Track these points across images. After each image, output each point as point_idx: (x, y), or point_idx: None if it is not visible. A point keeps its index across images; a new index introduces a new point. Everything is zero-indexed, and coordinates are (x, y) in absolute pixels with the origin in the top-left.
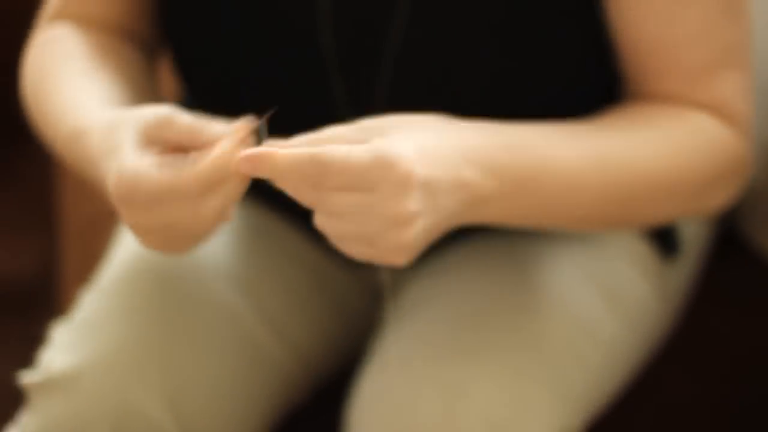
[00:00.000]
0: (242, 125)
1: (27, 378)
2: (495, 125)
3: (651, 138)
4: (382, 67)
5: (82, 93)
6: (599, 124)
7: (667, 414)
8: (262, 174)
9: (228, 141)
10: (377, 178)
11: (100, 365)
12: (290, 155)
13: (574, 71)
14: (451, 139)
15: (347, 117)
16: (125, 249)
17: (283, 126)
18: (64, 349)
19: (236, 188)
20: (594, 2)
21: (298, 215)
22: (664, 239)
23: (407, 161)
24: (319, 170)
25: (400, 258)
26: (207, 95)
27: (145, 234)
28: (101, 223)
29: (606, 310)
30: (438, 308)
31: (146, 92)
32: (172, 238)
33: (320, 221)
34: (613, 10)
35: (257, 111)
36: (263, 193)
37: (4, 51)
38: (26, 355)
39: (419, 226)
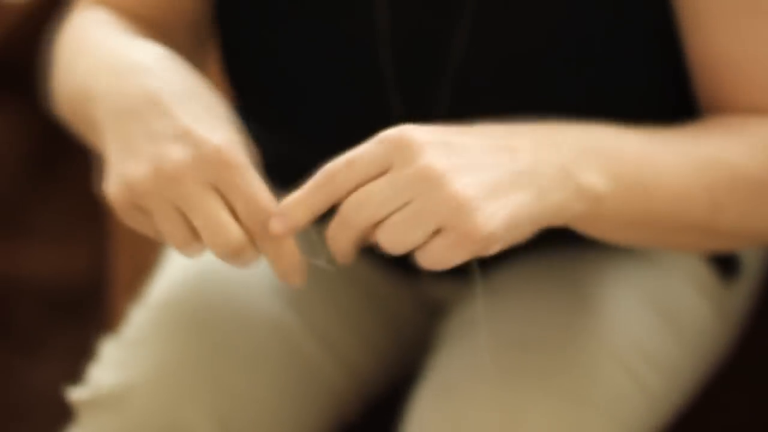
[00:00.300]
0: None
1: (75, 394)
2: (593, 126)
3: (747, 140)
4: (441, 82)
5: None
6: (692, 130)
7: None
8: (301, 222)
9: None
10: (387, 154)
11: (150, 383)
12: (302, 190)
13: (645, 87)
14: (566, 134)
15: None
16: (174, 264)
17: (338, 139)
18: (112, 366)
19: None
20: (666, 14)
21: None
22: (725, 262)
23: (413, 133)
24: (329, 185)
25: (476, 224)
26: (260, 106)
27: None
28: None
29: (666, 333)
30: (494, 329)
31: None
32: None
33: (380, 238)
34: (685, 26)
35: (311, 124)
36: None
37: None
38: (75, 363)
39: (464, 179)
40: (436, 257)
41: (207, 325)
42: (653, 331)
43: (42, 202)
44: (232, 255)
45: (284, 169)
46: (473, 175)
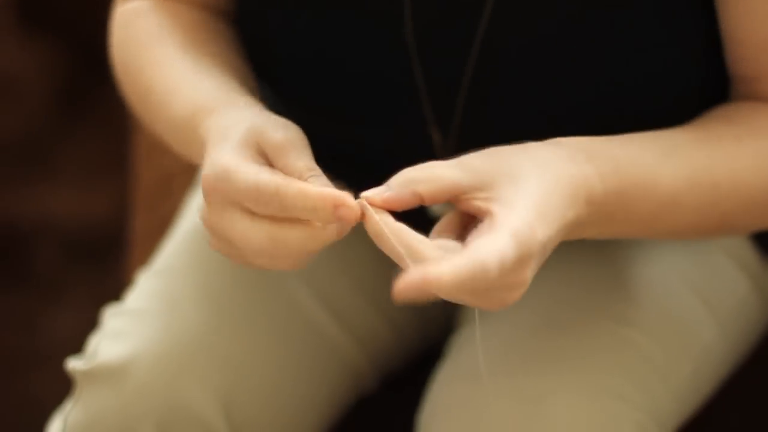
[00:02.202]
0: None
1: (74, 364)
2: (593, 146)
3: (757, 152)
4: (465, 60)
5: (187, 73)
6: (702, 136)
7: (756, 418)
8: (425, 297)
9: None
10: (519, 261)
11: (150, 357)
12: (454, 276)
13: (678, 70)
14: (559, 180)
15: (429, 107)
16: (182, 230)
17: (361, 114)
18: (113, 336)
19: (319, 239)
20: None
21: None
22: (765, 238)
23: (538, 243)
24: (479, 284)
25: (497, 309)
26: (283, 83)
27: (219, 247)
28: (173, 181)
29: (704, 314)
30: (518, 312)
31: (240, 67)
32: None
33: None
34: (721, 11)
35: (330, 97)
36: (326, 170)
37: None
38: (95, 309)
39: (528, 284)
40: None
41: (216, 296)
42: (691, 311)
43: (68, 144)
44: (272, 253)
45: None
46: (534, 273)
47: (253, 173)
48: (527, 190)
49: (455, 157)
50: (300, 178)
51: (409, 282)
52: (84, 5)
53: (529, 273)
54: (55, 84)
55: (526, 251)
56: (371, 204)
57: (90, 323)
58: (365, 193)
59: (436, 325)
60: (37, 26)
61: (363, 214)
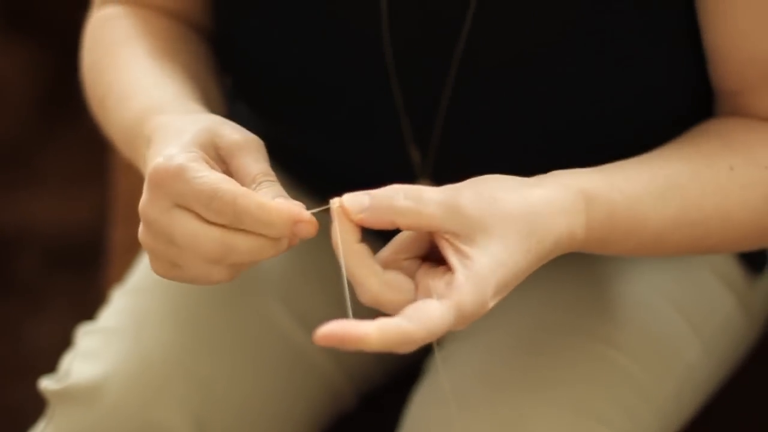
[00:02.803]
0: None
1: (47, 384)
2: (594, 187)
3: (749, 184)
4: (445, 78)
5: (147, 77)
6: (696, 168)
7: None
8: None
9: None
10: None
11: (123, 377)
12: (380, 339)
13: (663, 87)
14: (543, 247)
15: (407, 123)
16: None
17: (340, 132)
18: (86, 355)
19: (264, 250)
20: (687, 16)
21: None
22: (751, 256)
23: (483, 312)
24: (407, 347)
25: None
26: (261, 98)
27: (151, 244)
28: None
29: (687, 333)
30: (497, 332)
31: (205, 79)
32: (171, 262)
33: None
34: (704, 23)
35: (308, 114)
36: (303, 185)
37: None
38: (77, 317)
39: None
40: None
41: (187, 315)
42: (674, 329)
43: (50, 150)
44: (220, 258)
45: (282, 153)
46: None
47: (212, 178)
48: (498, 257)
49: (435, 178)
50: (254, 181)
51: (330, 331)
52: (67, 11)
53: (488, 306)
54: (37, 89)
55: (464, 320)
56: (346, 214)
57: (70, 333)
58: (345, 198)
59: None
60: (19, 31)
61: (316, 224)
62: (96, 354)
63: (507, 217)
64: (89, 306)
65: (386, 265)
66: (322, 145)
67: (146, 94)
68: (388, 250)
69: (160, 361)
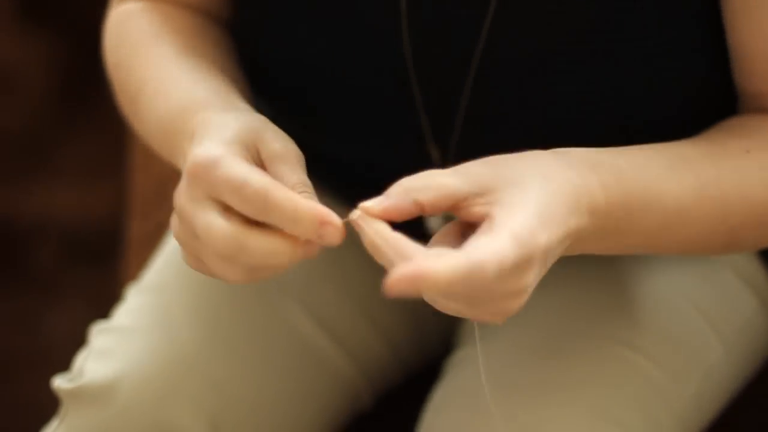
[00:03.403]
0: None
1: (60, 383)
2: (597, 156)
3: (766, 165)
4: (464, 76)
5: (183, 74)
6: (710, 148)
7: None
8: (415, 294)
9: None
10: (519, 265)
11: (137, 377)
12: (450, 272)
13: (683, 86)
14: (561, 186)
15: (426, 122)
16: (175, 245)
17: (359, 130)
18: (100, 354)
19: (291, 253)
20: (710, 10)
21: None
22: None
23: (539, 248)
24: (475, 285)
25: (498, 320)
26: (279, 94)
27: (180, 235)
28: (169, 187)
29: (709, 335)
30: (516, 334)
31: (234, 73)
32: (196, 255)
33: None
34: (730, 22)
35: (328, 113)
36: (324, 185)
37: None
38: (94, 309)
39: (529, 292)
40: (448, 313)
41: (203, 314)
42: (697, 332)
43: (68, 141)
44: (231, 255)
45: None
46: (536, 281)
47: (245, 168)
48: (528, 194)
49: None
50: (292, 190)
51: (401, 275)
52: (86, 1)
53: (530, 279)
54: (55, 80)
55: (527, 255)
56: (369, 214)
57: (87, 326)
58: (364, 204)
59: (434, 343)
60: (37, 21)
61: (344, 232)
62: (110, 353)
63: (521, 169)
64: (106, 300)
65: None
66: (341, 142)
67: (186, 90)
68: (428, 245)
69: (175, 361)
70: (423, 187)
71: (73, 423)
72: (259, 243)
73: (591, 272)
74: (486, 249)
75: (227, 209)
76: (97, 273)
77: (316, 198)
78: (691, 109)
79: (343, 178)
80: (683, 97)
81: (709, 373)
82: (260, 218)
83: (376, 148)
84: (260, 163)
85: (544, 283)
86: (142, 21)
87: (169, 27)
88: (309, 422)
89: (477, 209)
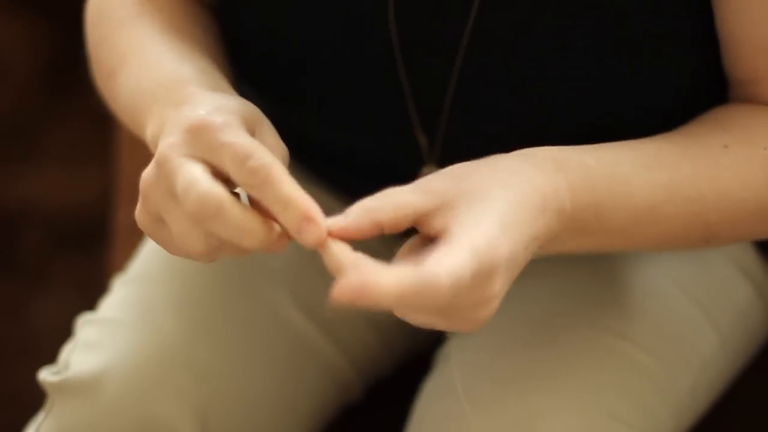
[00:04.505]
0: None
1: (45, 376)
2: (564, 155)
3: (745, 161)
4: (453, 61)
5: (169, 51)
6: (686, 144)
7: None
8: (362, 305)
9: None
10: (479, 278)
11: (124, 370)
12: (398, 286)
13: (673, 73)
14: (524, 193)
15: (414, 109)
16: None
17: (347, 116)
18: (86, 347)
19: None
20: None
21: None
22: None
23: (502, 257)
24: (431, 298)
25: (471, 329)
26: (265, 80)
27: (151, 185)
28: None
29: (704, 324)
30: (507, 324)
31: (219, 57)
32: (157, 213)
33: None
34: (717, 12)
35: (315, 99)
36: (310, 172)
37: None
38: (80, 296)
39: (498, 300)
40: (419, 325)
41: (190, 305)
42: (688, 323)
43: (56, 124)
44: (204, 218)
45: (286, 136)
46: (504, 289)
47: (252, 140)
48: (489, 206)
49: (442, 164)
50: None
51: (346, 286)
52: None
53: (496, 288)
54: (41, 63)
55: (487, 265)
56: (329, 234)
57: (74, 314)
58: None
59: (424, 333)
60: (23, 4)
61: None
62: (96, 345)
63: (482, 180)
64: (93, 288)
65: None
66: (328, 129)
67: (172, 66)
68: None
69: (162, 354)
70: (382, 207)
71: (59, 416)
72: (237, 214)
73: (581, 261)
74: (440, 261)
75: (217, 176)
76: (84, 260)
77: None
78: (684, 98)
79: (330, 164)
80: (675, 86)
81: (704, 363)
82: (253, 192)
83: (363, 134)
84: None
85: (534, 273)
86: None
87: (153, 6)
88: (298, 413)
89: (436, 224)
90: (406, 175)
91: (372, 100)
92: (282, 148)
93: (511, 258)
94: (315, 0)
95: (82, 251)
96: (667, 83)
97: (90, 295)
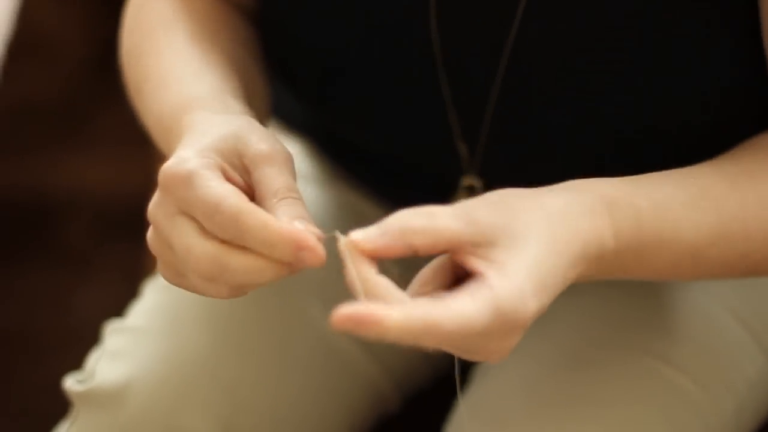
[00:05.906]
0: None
1: (71, 384)
2: (616, 193)
3: None
4: (495, 70)
5: (186, 66)
6: (735, 176)
7: None
8: (365, 335)
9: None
10: (495, 332)
11: (150, 380)
12: (402, 323)
13: (721, 86)
14: (567, 244)
15: (455, 119)
16: None
17: (387, 123)
18: (113, 355)
19: (268, 272)
20: (753, 14)
21: (389, 206)
22: None
23: (527, 315)
24: (434, 339)
25: (493, 361)
26: (307, 86)
27: (157, 248)
28: None
29: (748, 344)
30: (544, 343)
31: (249, 66)
32: (176, 269)
33: None
34: (765, 28)
35: (356, 106)
36: (350, 176)
37: None
38: (124, 287)
39: (521, 336)
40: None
41: (220, 315)
42: (732, 344)
43: (105, 112)
44: (214, 276)
45: (327, 141)
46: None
47: (219, 189)
48: (528, 253)
49: (482, 174)
50: (275, 195)
51: (351, 313)
52: None
53: (515, 340)
54: (92, 50)
55: (511, 324)
56: (358, 248)
57: (120, 302)
58: (354, 234)
59: None
60: None
61: (322, 254)
62: (122, 354)
63: (527, 219)
64: (139, 275)
65: None
66: (369, 136)
67: (183, 86)
68: (411, 287)
69: (190, 365)
70: (421, 231)
71: (83, 426)
72: (241, 262)
73: (619, 281)
74: (456, 311)
75: (204, 227)
76: (129, 248)
77: (301, 203)
78: (725, 116)
79: (369, 170)
80: (724, 101)
81: (749, 387)
82: (236, 242)
83: (403, 141)
84: (243, 169)
85: (570, 292)
86: (158, 5)
87: (183, 13)
88: (332, 425)
89: (472, 262)
90: (445, 183)
91: (412, 108)
92: (277, 150)
93: (537, 315)
94: (356, 9)
95: (129, 239)
96: (709, 99)
97: (136, 283)
